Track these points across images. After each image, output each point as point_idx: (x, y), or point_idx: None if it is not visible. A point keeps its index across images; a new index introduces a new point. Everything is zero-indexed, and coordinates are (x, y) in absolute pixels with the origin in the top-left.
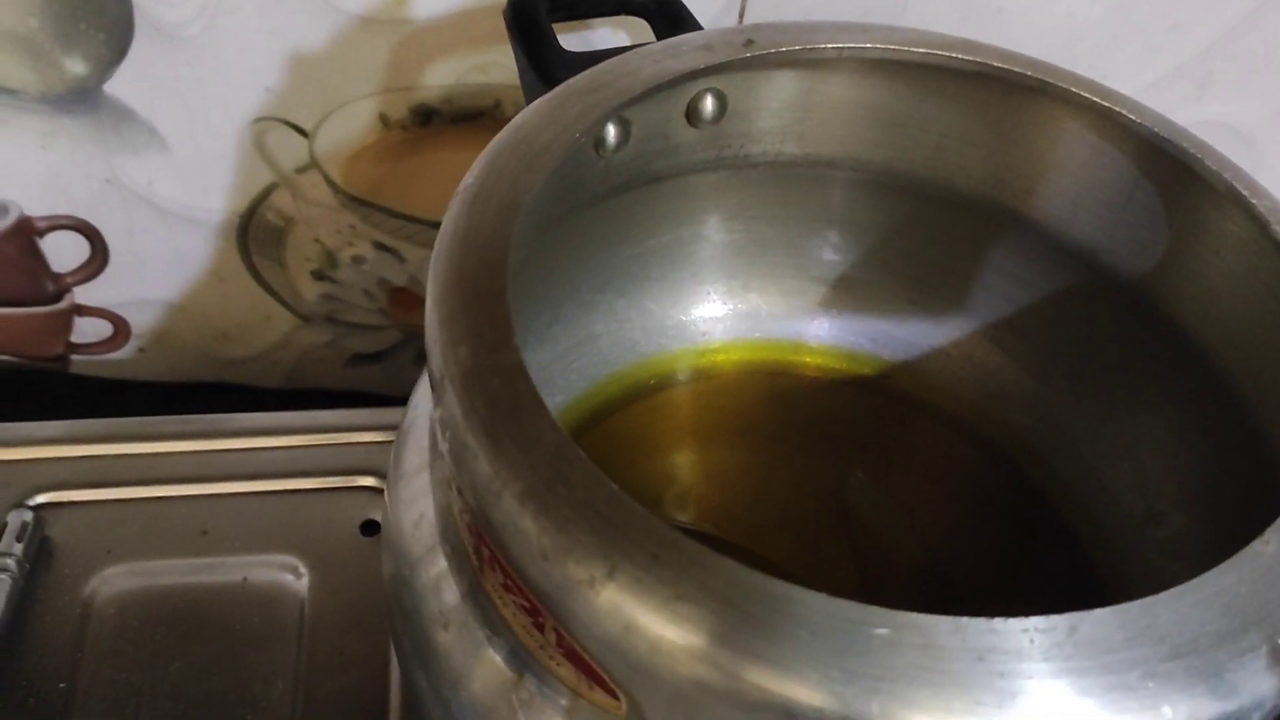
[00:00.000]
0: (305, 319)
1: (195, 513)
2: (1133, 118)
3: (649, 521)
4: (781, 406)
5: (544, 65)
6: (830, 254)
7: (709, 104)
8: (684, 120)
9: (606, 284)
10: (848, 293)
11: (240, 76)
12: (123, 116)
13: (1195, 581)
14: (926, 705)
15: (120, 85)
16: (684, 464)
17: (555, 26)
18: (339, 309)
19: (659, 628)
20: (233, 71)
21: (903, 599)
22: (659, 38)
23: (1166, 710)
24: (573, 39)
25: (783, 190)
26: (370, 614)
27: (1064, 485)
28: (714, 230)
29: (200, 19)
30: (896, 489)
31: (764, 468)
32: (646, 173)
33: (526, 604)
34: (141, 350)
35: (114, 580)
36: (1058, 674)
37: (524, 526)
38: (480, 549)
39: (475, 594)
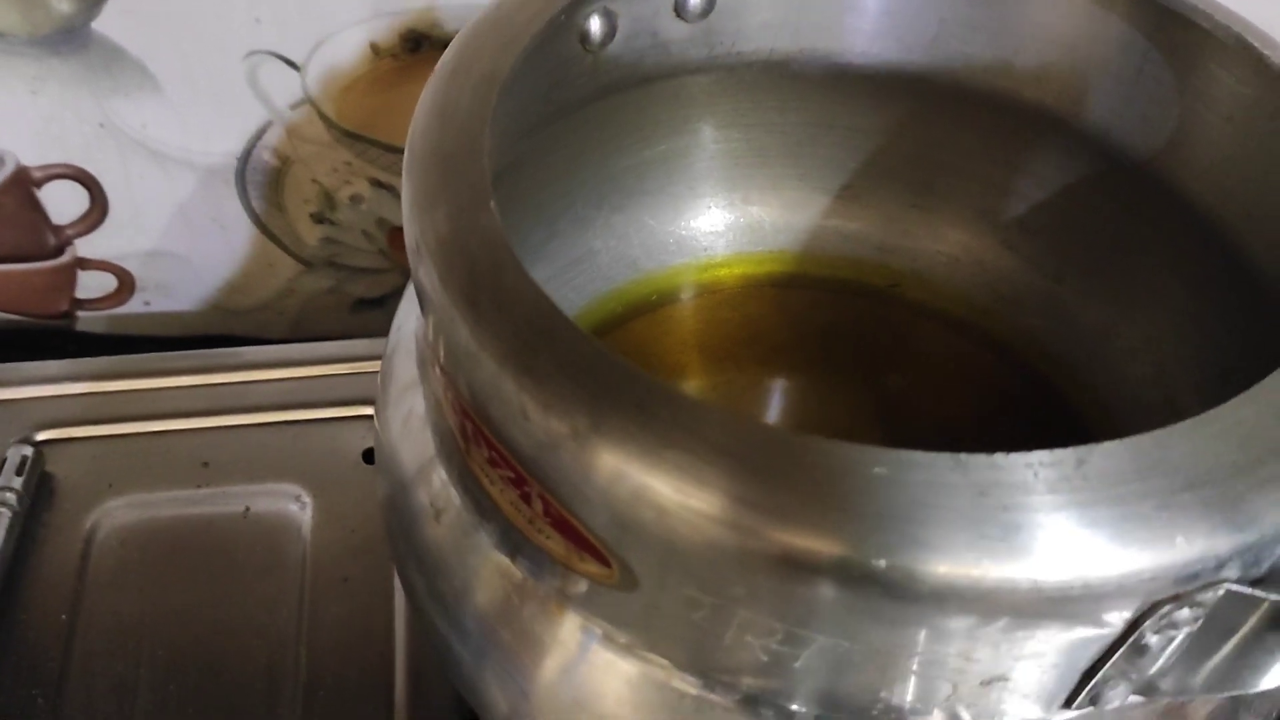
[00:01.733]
0: (308, 264)
1: (196, 445)
2: None
3: (634, 374)
4: (788, 320)
5: None
6: (832, 161)
7: None
8: (672, 13)
9: (603, 199)
10: (852, 201)
11: (229, 7)
12: (113, 56)
13: (1211, 413)
14: (928, 542)
15: (108, 22)
16: (690, 380)
17: None
18: (340, 252)
19: (647, 479)
20: (221, 2)
21: None
22: None
23: (1180, 540)
24: None
25: (779, 93)
26: (373, 540)
27: (1082, 384)
28: (710, 139)
29: None
30: (911, 399)
31: (772, 381)
32: (636, 73)
33: (512, 474)
34: (147, 304)
35: (115, 513)
36: (1064, 506)
37: (505, 387)
38: (465, 425)
39: (465, 480)
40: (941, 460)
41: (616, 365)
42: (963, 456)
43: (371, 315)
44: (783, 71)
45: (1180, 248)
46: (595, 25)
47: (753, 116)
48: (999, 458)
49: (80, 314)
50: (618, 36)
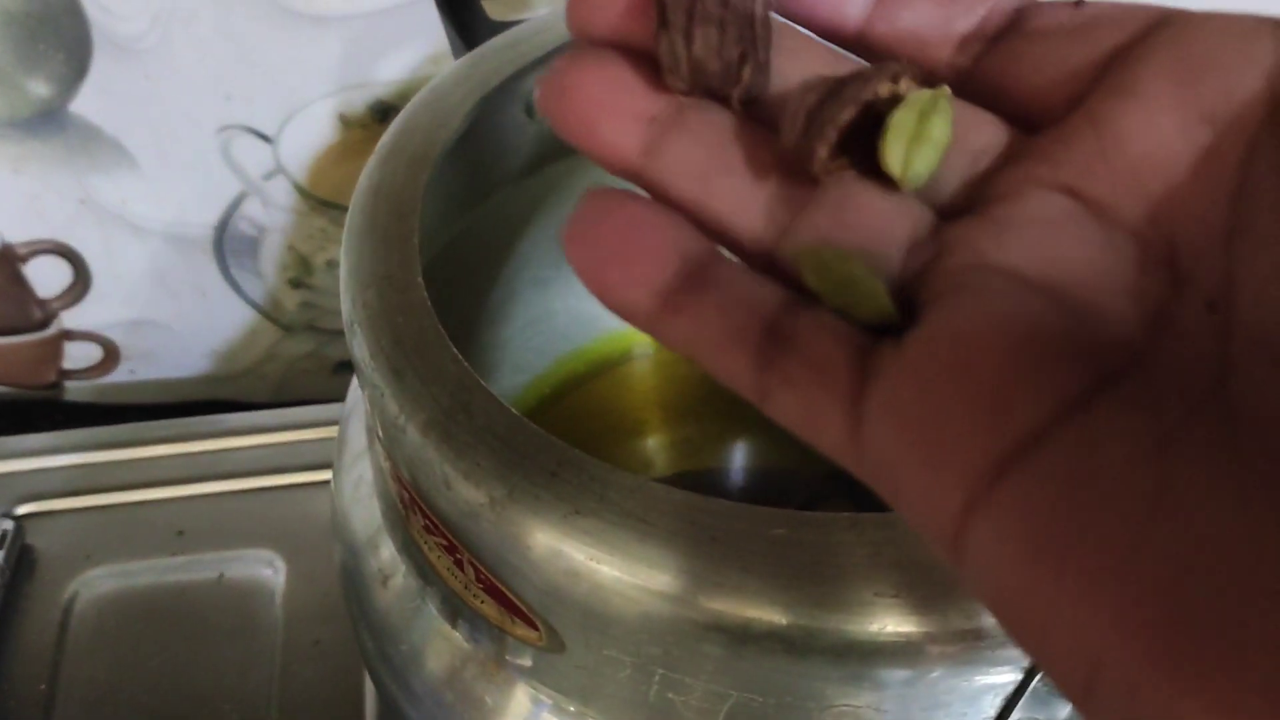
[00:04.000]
0: (288, 329)
1: (172, 514)
2: None
3: (548, 442)
4: None
5: (469, 32)
6: None
7: None
8: None
9: (560, 260)
10: None
11: (200, 86)
12: (90, 135)
13: None
14: (825, 600)
15: (85, 104)
16: (651, 437)
17: (488, 3)
18: (319, 316)
19: (558, 544)
20: (192, 82)
21: None
22: None
23: None
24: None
25: None
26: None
27: None
28: None
29: (155, 30)
30: None
31: (733, 435)
32: None
33: (445, 541)
34: (133, 372)
35: (93, 583)
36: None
37: (428, 456)
38: (402, 493)
39: (409, 547)
40: (839, 520)
41: (532, 434)
42: (860, 516)
43: (353, 378)
44: None
45: None
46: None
47: None
48: (892, 515)
49: (68, 384)
50: None
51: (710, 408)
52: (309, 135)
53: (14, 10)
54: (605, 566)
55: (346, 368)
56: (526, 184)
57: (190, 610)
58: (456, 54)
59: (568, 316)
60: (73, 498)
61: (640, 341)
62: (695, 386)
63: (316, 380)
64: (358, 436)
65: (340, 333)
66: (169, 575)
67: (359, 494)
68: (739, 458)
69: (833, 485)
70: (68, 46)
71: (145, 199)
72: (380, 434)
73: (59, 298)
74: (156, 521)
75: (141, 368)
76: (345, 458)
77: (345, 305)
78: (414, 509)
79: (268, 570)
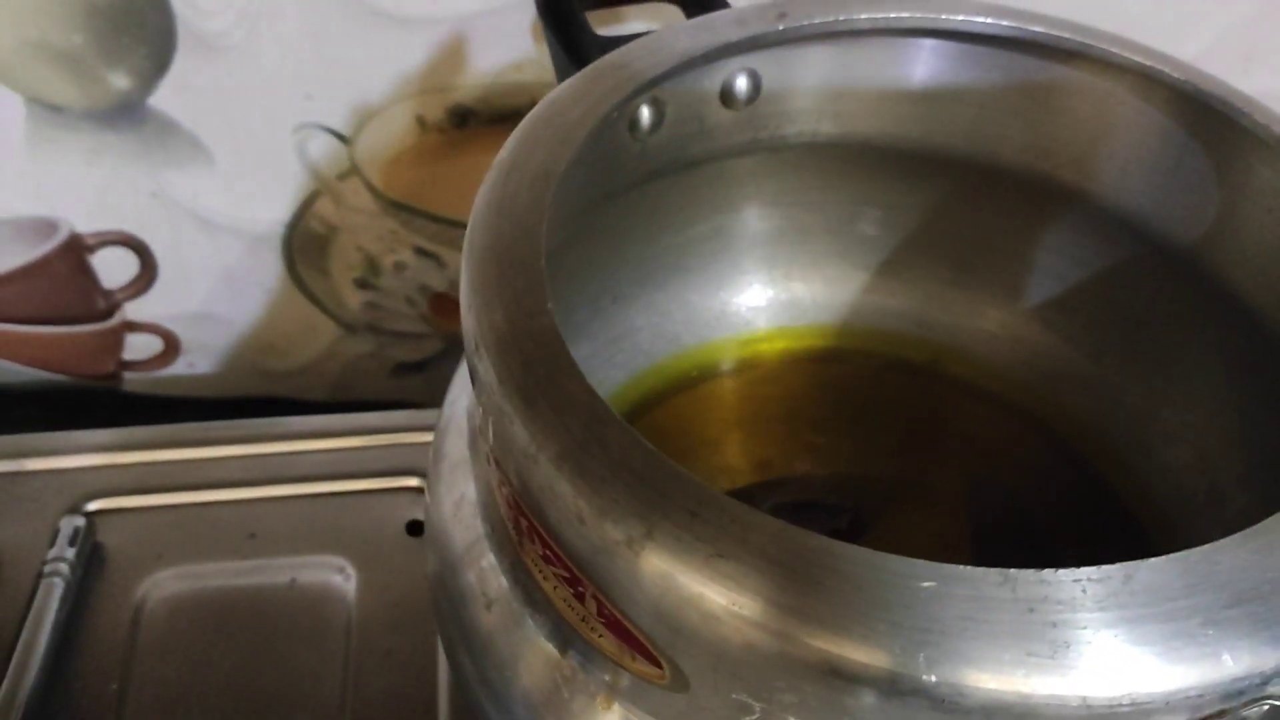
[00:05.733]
0: (349, 328)
1: (243, 516)
2: (1176, 76)
3: (686, 480)
4: (828, 394)
5: (576, 48)
6: (872, 238)
7: (743, 83)
8: (719, 101)
9: (646, 277)
10: (892, 277)
11: (281, 84)
12: (167, 129)
13: (1258, 527)
14: (976, 657)
15: (164, 98)
16: (730, 455)
17: (588, 16)
18: (382, 317)
19: (699, 586)
20: (273, 80)
21: None
22: None
23: (1227, 658)
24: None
25: (821, 173)
26: (417, 613)
27: (1123, 466)
28: (753, 218)
29: (240, 27)
30: (948, 476)
31: (812, 457)
32: (682, 157)
33: (566, 573)
34: (191, 365)
35: (164, 584)
36: (1113, 623)
37: (560, 490)
38: (519, 520)
39: (516, 571)
40: (989, 575)
41: (670, 471)
42: (1011, 572)
43: (411, 380)
44: (825, 153)
45: (1222, 334)
46: (645, 115)
47: (794, 195)
48: (1047, 574)
49: (126, 375)
50: (665, 124)
51: (789, 429)
52: (386, 137)
53: (100, 3)
54: (745, 611)
55: (406, 369)
56: (619, 202)
57: (262, 615)
58: (558, 65)
59: (650, 332)
60: (143, 495)
61: (721, 359)
62: (775, 405)
63: (375, 381)
64: (457, 448)
65: (403, 334)
66: (240, 579)
67: (461, 513)
68: (816, 484)
69: (898, 511)
70: (151, 40)
71: (217, 194)
72: (497, 459)
73: (124, 289)
74: (227, 523)
75: (200, 361)
76: (442, 469)
77: (469, 326)
78: (532, 538)
79: (338, 577)
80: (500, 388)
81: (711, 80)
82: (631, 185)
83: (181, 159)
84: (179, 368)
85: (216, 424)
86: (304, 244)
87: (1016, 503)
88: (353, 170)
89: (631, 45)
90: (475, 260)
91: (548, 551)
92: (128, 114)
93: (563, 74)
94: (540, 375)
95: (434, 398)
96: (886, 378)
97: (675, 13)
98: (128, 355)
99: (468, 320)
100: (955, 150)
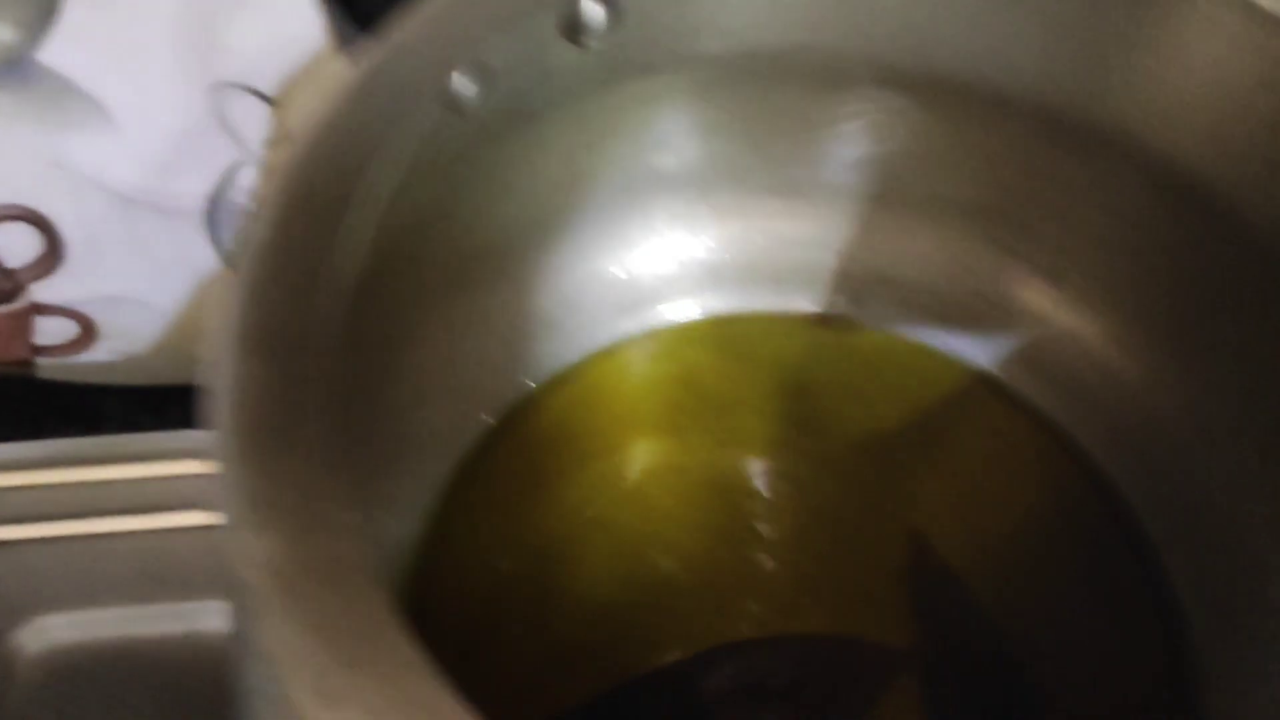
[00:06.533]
0: None
1: (139, 551)
2: None
3: None
4: (760, 369)
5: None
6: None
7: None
8: (565, 40)
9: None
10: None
11: (190, 35)
12: (63, 89)
13: None
14: None
15: (55, 53)
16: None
17: None
18: None
19: None
20: (180, 30)
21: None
22: None
23: None
24: None
25: (762, 104)
26: None
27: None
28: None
29: None
30: (945, 502)
31: (746, 454)
32: (525, 111)
33: None
34: (113, 351)
35: (39, 634)
36: None
37: None
38: None
39: None
40: None
41: None
42: None
43: None
44: (752, 80)
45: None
46: (467, 87)
47: (726, 126)
48: None
49: (40, 361)
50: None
51: (714, 418)
52: (320, 97)
53: None
54: None
55: None
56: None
57: (159, 672)
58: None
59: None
60: (15, 526)
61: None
62: (688, 390)
63: None
64: None
65: None
66: (134, 628)
67: None
68: (758, 485)
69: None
70: None
71: (126, 163)
72: None
73: (28, 269)
74: (120, 559)
75: (122, 347)
76: None
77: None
78: None
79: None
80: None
81: (545, 17)
82: (458, 159)
83: (82, 123)
84: (99, 354)
85: (105, 440)
86: (230, 218)
87: (1020, 525)
88: (281, 137)
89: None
90: (230, 436)
91: None
92: (17, 71)
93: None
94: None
95: None
96: (859, 380)
97: None
98: (40, 340)
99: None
100: (943, 72)
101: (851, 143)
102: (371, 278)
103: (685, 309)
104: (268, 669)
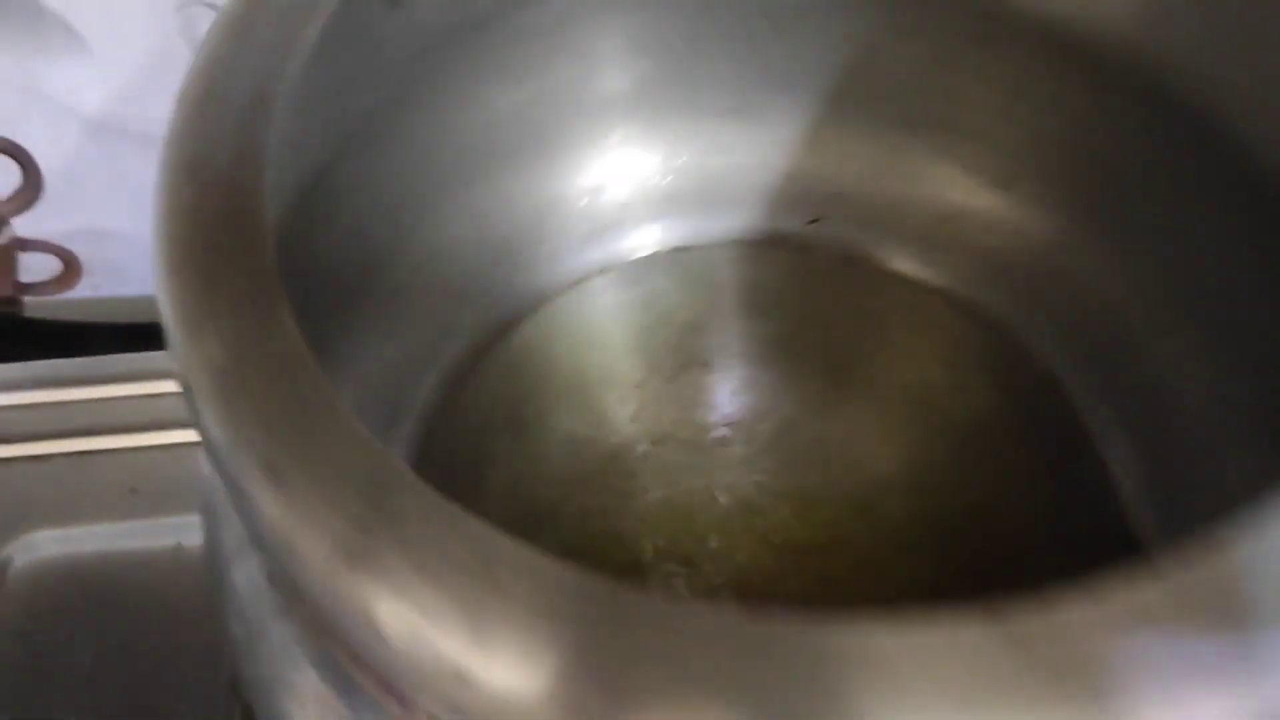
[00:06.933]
0: None
1: (125, 468)
2: None
3: (536, 562)
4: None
5: None
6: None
7: None
8: None
9: (467, 176)
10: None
11: None
12: (31, 11)
13: None
14: None
15: None
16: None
17: None
18: None
19: None
20: None
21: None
22: None
23: None
24: None
25: (705, 20)
26: None
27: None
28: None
29: None
30: (904, 409)
31: (707, 374)
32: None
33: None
34: (96, 288)
35: (28, 549)
36: None
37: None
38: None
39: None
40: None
41: (508, 553)
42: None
43: None
44: None
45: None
46: None
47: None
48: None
49: (26, 299)
50: None
51: (677, 338)
52: None
53: None
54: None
55: None
56: (397, 89)
57: (142, 586)
58: None
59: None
60: (10, 445)
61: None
62: (653, 313)
63: None
64: None
65: None
66: (119, 542)
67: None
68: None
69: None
70: None
71: (98, 88)
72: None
73: (8, 201)
74: (104, 476)
75: (106, 283)
76: None
77: (173, 358)
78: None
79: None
80: (233, 457)
81: None
82: (405, 68)
83: (52, 47)
84: (83, 290)
85: (88, 360)
86: None
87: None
88: None
89: None
90: (166, 259)
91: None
92: None
93: None
94: (285, 430)
95: None
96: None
97: None
98: (25, 277)
99: (171, 350)
100: None
101: (796, 58)
102: (323, 171)
103: (646, 236)
104: (218, 461)
